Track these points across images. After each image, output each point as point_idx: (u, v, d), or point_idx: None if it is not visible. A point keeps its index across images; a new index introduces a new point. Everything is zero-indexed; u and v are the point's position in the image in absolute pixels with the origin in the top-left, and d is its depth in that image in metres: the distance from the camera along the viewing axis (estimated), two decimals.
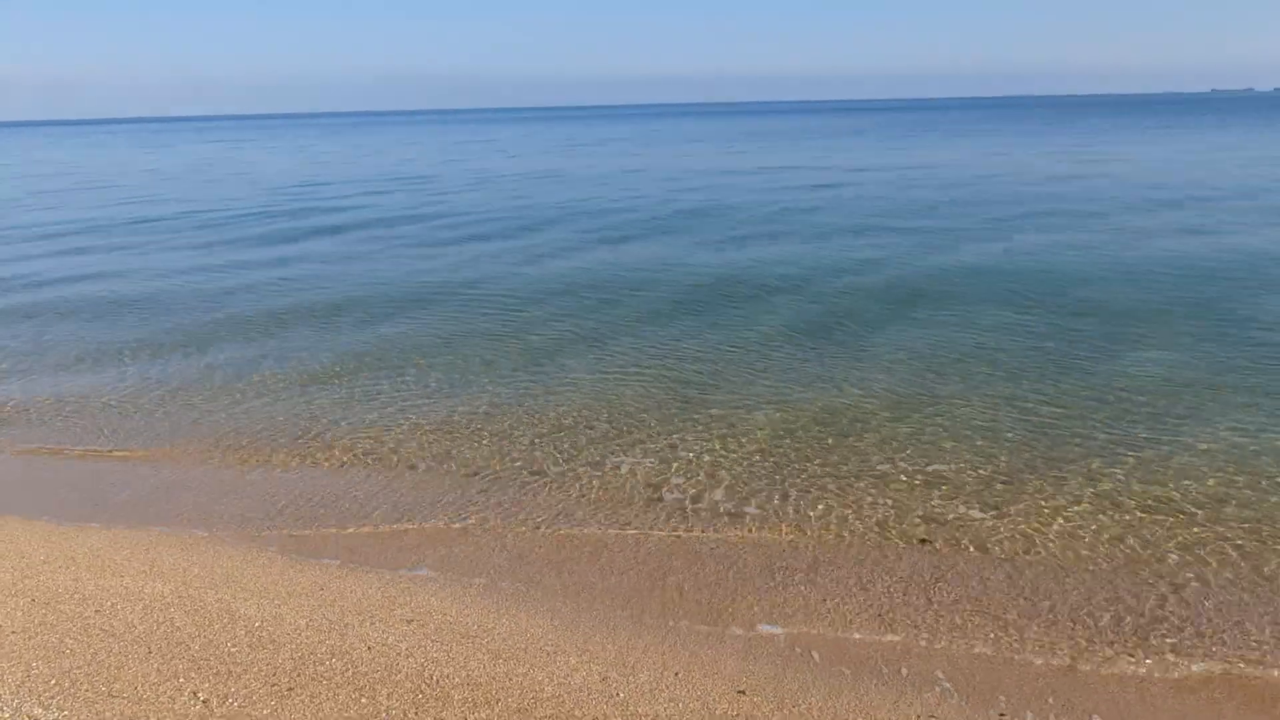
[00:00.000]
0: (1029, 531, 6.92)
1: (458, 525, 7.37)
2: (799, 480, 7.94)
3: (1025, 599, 6.01)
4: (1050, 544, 6.71)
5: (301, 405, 10.21)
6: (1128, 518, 7.07)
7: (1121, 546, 6.67)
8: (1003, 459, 8.21)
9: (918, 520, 7.16)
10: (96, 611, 6.00)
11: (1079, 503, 7.32)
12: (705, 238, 21.45)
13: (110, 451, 9.18)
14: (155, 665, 5.31)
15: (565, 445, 8.91)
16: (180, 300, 15.88)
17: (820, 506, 7.46)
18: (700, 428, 9.18)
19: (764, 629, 5.70)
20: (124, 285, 17.32)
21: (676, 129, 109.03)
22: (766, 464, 8.29)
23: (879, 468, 8.15)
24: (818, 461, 8.31)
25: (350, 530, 7.34)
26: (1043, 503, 7.35)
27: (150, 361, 12.16)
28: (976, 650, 5.44)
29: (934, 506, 7.38)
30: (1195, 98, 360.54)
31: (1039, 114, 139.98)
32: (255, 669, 5.25)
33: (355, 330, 13.46)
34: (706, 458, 8.45)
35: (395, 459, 8.73)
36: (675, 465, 8.34)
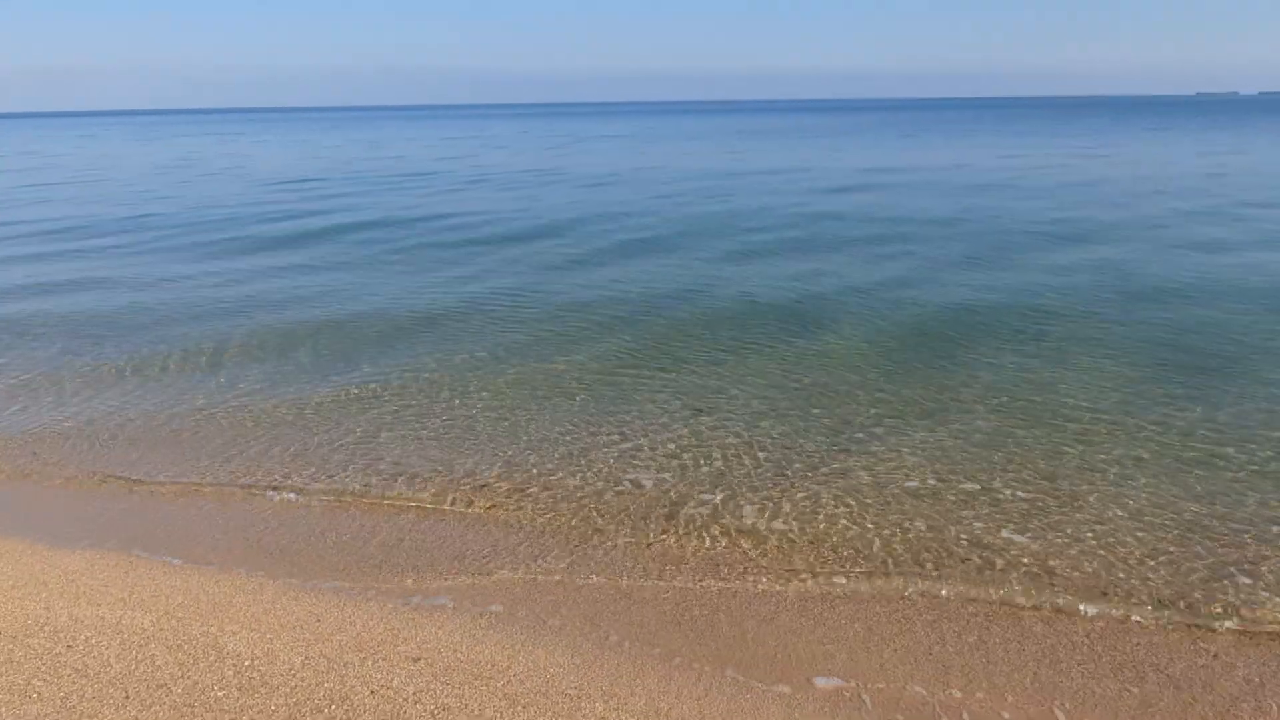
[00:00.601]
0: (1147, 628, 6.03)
1: (465, 549, 6.82)
2: (865, 531, 7.13)
3: (1124, 672, 5.36)
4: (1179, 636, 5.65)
5: (305, 431, 9.33)
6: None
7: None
8: (1124, 530, 6.90)
9: (1006, 579, 6.54)
10: (69, 647, 5.45)
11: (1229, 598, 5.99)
12: (737, 245, 19.96)
13: (93, 473, 8.51)
14: (133, 712, 4.76)
15: (587, 461, 8.36)
16: (177, 312, 14.68)
17: (880, 557, 6.87)
18: (756, 466, 8.23)
19: (819, 682, 5.15)
20: (116, 295, 16.09)
21: (675, 127, 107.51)
22: (836, 512, 7.42)
23: (951, 519, 7.44)
24: (889, 512, 7.38)
25: (349, 554, 6.78)
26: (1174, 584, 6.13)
27: (139, 380, 11.24)
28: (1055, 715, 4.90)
29: (1019, 569, 6.56)
30: (1181, 100, 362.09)
31: (1032, 114, 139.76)
32: (244, 718, 4.71)
33: (376, 348, 12.22)
34: (753, 494, 7.65)
35: (408, 487, 8.04)
36: (706, 493, 7.78)
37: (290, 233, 23.47)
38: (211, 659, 5.28)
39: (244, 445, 8.96)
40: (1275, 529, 6.80)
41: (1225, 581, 6.12)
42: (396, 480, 8.03)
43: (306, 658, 5.29)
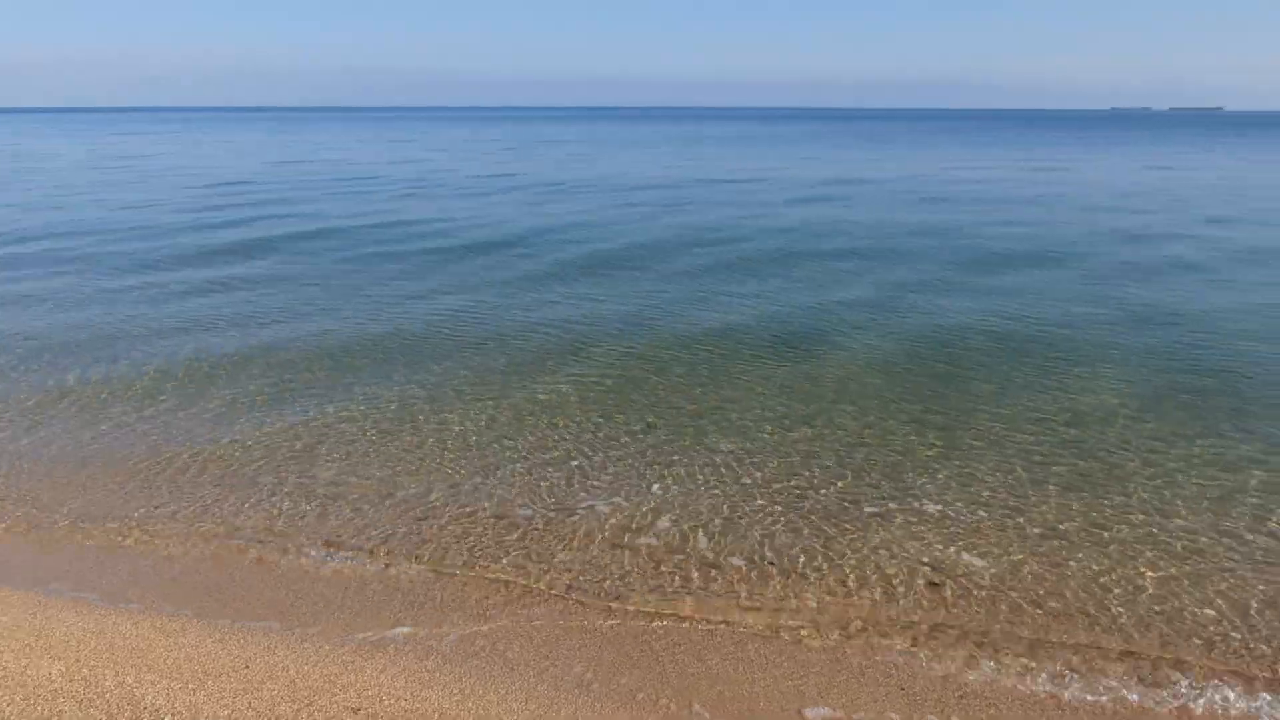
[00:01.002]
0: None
1: (409, 585, 6.39)
2: (822, 559, 6.99)
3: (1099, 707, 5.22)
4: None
5: (240, 463, 8.63)
6: None
7: None
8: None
9: (970, 605, 6.42)
10: None
11: None
12: (699, 260, 19.22)
13: (2, 505, 7.76)
14: None
15: (541, 488, 7.92)
16: (113, 330, 13.28)
17: (839, 585, 6.67)
18: (715, 490, 7.91)
19: (808, 713, 4.90)
20: (43, 311, 14.61)
21: (627, 132, 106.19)
22: (795, 539, 7.31)
23: (915, 543, 7.28)
24: (848, 537, 7.35)
25: (283, 593, 6.29)
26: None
27: (67, 405, 10.18)
28: None
29: (982, 594, 6.54)
30: (1100, 115, 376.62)
31: (970, 126, 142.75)
32: None
33: (325, 374, 11.14)
34: (713, 521, 7.33)
35: (348, 521, 7.56)
36: (663, 521, 7.45)
37: (233, 242, 21.83)
38: (126, 716, 4.79)
39: (175, 479, 8.22)
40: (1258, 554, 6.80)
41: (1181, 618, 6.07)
42: (336, 516, 7.47)
43: (233, 711, 4.84)
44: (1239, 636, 5.66)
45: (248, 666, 5.31)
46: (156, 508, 7.62)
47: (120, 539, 7.10)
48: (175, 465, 8.46)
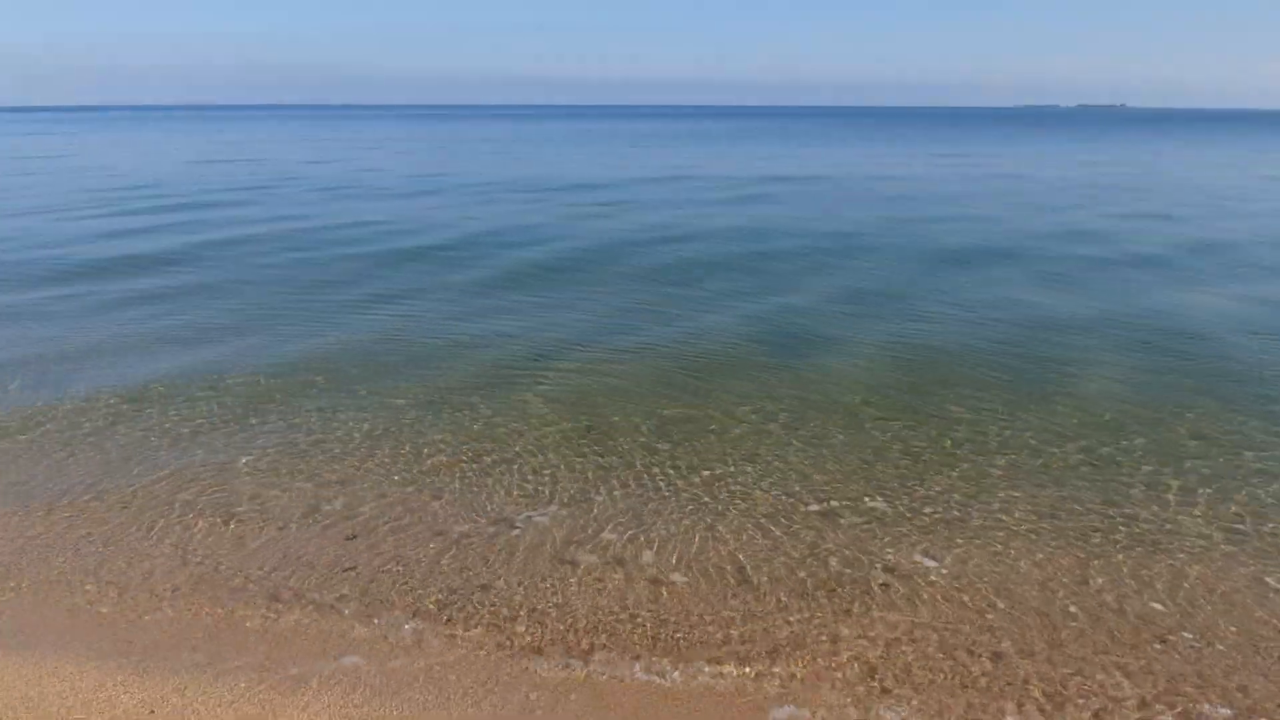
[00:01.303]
0: None
1: (332, 613, 5.91)
2: (767, 564, 6.78)
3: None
4: None
5: (158, 499, 8.07)
6: None
7: None
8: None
9: (926, 603, 6.26)
10: None
11: None
12: (633, 265, 18.34)
13: None
14: None
15: (478, 501, 7.50)
16: (21, 356, 11.70)
17: (786, 589, 6.43)
18: (659, 498, 7.62)
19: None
20: None
21: (557, 130, 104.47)
22: (740, 544, 7.08)
23: (865, 542, 7.11)
24: (792, 540, 7.19)
25: (194, 628, 5.72)
26: None
27: None
28: None
29: (935, 592, 6.40)
30: (1013, 111, 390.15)
31: (888, 125, 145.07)
32: None
33: (263, 392, 10.16)
34: (658, 532, 6.93)
35: (266, 546, 7.08)
36: (609, 533, 7.11)
37: (161, 249, 19.93)
38: None
39: (77, 503, 7.48)
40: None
41: None
42: (257, 540, 6.87)
43: None
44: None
45: (152, 712, 4.80)
46: (56, 536, 6.94)
47: (10, 573, 6.44)
48: (79, 490, 7.73)
